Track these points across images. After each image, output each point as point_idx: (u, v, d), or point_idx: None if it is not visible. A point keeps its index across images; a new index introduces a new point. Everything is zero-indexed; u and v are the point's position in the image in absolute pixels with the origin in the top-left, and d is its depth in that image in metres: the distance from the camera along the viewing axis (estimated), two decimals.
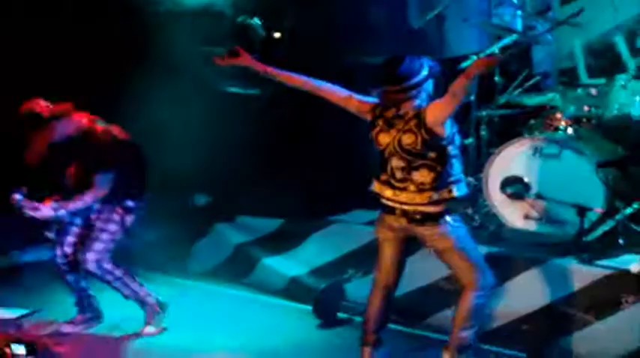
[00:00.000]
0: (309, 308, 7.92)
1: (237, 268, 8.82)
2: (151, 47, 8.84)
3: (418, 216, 6.27)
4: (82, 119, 7.20)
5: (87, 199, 7.13)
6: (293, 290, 8.39)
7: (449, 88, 6.14)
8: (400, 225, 6.35)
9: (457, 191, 6.25)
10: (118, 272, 7.30)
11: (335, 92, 6.51)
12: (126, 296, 7.40)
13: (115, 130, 7.24)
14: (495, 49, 8.37)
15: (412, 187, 6.24)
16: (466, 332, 6.37)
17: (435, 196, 6.23)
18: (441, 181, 6.21)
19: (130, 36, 8.99)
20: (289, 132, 8.85)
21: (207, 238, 9.13)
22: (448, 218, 6.28)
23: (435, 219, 6.26)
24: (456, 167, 6.29)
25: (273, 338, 7.45)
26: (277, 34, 9.06)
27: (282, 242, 8.69)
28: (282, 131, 8.87)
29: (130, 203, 7.27)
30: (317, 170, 8.85)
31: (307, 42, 8.88)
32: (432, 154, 6.19)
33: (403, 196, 6.29)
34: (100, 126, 7.23)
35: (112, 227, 7.25)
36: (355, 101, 6.45)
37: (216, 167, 8.72)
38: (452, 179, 6.25)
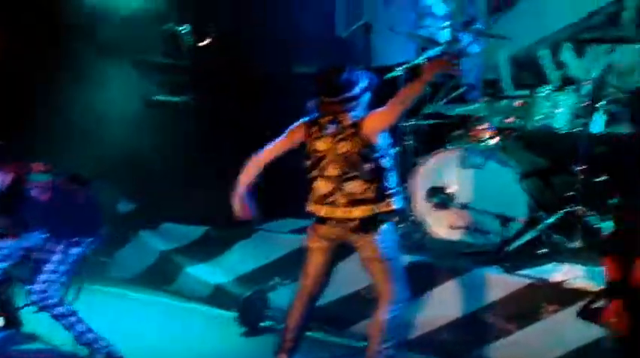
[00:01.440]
0: (234, 315, 7.89)
1: (161, 275, 8.76)
2: (76, 54, 8.77)
3: (354, 224, 6.27)
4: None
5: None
6: (217, 298, 8.35)
7: (382, 97, 6.18)
8: (335, 234, 6.35)
9: (395, 204, 6.28)
10: (64, 310, 6.94)
11: (271, 152, 6.51)
12: (74, 337, 6.97)
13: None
14: (421, 60, 8.43)
15: (343, 200, 6.24)
16: (383, 345, 6.39)
17: (375, 210, 6.24)
18: (378, 194, 6.23)
19: (55, 43, 8.89)
20: (216, 140, 8.80)
21: (131, 245, 9.06)
22: (384, 226, 6.30)
23: (370, 227, 6.27)
24: (392, 179, 6.32)
25: (196, 346, 7.43)
26: (206, 41, 9.02)
27: (206, 249, 8.65)
28: (209, 139, 8.82)
29: (75, 239, 7.02)
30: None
31: (236, 49, 8.85)
32: (366, 166, 6.19)
33: (339, 212, 6.29)
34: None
35: (55, 258, 7.01)
36: (288, 139, 6.43)
37: (141, 174, 8.65)
38: (389, 191, 6.27)
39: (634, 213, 5.19)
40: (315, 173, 6.35)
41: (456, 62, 6.29)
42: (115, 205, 9.28)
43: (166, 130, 8.57)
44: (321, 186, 6.32)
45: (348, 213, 6.24)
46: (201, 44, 8.71)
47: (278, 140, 6.48)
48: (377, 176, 6.22)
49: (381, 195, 6.23)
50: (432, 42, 9.06)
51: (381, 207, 6.23)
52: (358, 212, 6.23)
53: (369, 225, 6.27)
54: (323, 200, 6.32)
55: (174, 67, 8.82)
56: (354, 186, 6.21)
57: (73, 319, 6.88)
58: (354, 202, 6.23)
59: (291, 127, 6.42)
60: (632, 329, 5.06)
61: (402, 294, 6.42)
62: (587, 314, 5.43)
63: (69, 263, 6.89)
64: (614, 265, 5.25)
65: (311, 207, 6.39)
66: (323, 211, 6.33)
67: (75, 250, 6.90)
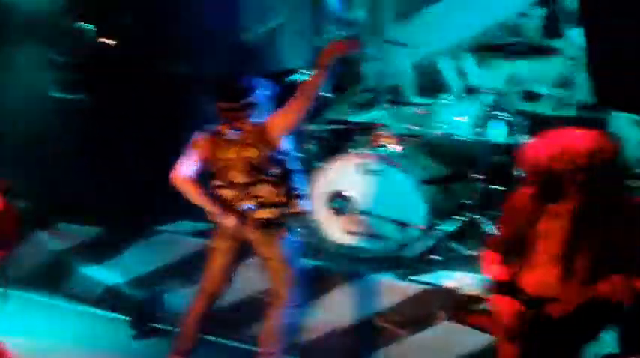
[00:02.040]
0: (127, 318, 7.79)
1: (55, 276, 8.59)
2: None
3: (259, 224, 6.24)
4: None
5: None
6: (111, 299, 8.22)
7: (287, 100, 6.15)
8: (239, 235, 6.31)
9: (302, 205, 6.27)
10: None
11: (196, 166, 6.38)
12: None
13: None
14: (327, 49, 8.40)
15: (255, 202, 6.21)
16: (274, 349, 6.37)
17: (285, 211, 6.21)
18: (285, 197, 6.21)
19: None
20: (114, 140, 8.68)
21: (25, 245, 8.87)
22: (287, 229, 6.28)
23: (276, 228, 6.24)
24: (299, 181, 6.30)
25: (88, 349, 7.32)
26: (110, 41, 8.90)
27: (101, 250, 8.50)
28: (106, 138, 8.70)
29: None
30: (143, 179, 8.71)
31: (141, 50, 8.75)
32: (274, 170, 6.17)
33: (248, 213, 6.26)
34: None
35: None
36: (202, 158, 6.34)
37: (36, 173, 8.49)
38: (296, 193, 6.26)
39: (514, 214, 5.23)
40: (219, 181, 6.30)
41: (355, 44, 6.26)
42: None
43: (63, 129, 8.44)
44: (227, 194, 6.27)
45: (258, 214, 6.22)
46: (101, 42, 8.58)
47: (192, 157, 6.36)
48: (284, 179, 6.20)
49: (290, 197, 6.21)
50: None
51: (290, 209, 6.22)
52: (266, 214, 6.20)
53: (273, 225, 6.23)
54: (230, 207, 6.26)
55: (73, 65, 8.70)
56: (262, 191, 6.19)
57: None
58: (263, 205, 6.19)
59: (196, 142, 6.34)
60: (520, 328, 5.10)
61: (295, 298, 6.40)
62: (459, 317, 5.47)
63: None
64: (497, 263, 5.28)
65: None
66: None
67: None
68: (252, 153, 6.17)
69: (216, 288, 6.56)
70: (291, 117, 6.17)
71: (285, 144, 6.20)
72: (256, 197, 6.21)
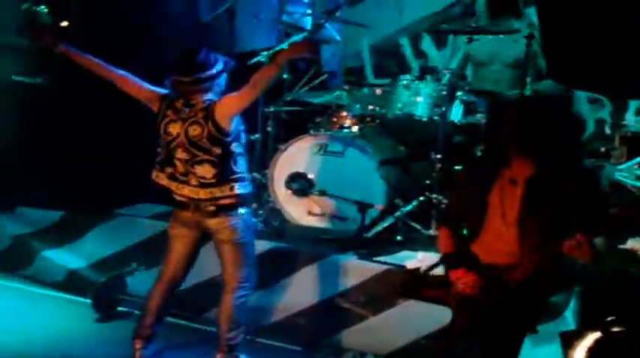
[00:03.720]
0: (89, 301, 7.77)
1: (16, 260, 8.54)
2: None
3: (211, 208, 6.26)
4: None
5: None
6: (73, 283, 8.17)
7: (245, 82, 6.17)
8: (194, 220, 6.33)
9: (239, 189, 6.28)
10: None
11: (127, 80, 6.44)
12: None
13: None
14: (285, 46, 8.43)
15: (194, 181, 6.24)
16: (233, 332, 6.41)
17: (217, 193, 6.23)
18: (222, 178, 6.22)
19: None
20: (75, 123, 8.65)
21: None
22: (241, 209, 6.30)
23: (228, 210, 6.26)
24: (240, 164, 6.31)
25: (50, 332, 7.29)
26: (64, 22, 8.84)
27: (63, 234, 8.46)
28: (67, 121, 8.66)
29: None
30: (103, 161, 8.69)
31: (95, 31, 8.71)
32: (216, 150, 6.18)
33: (186, 190, 6.28)
34: None
35: None
36: (145, 90, 6.41)
37: None
38: (235, 176, 6.27)
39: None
40: (166, 155, 6.31)
41: (313, 47, 6.30)
42: None
43: (22, 112, 8.39)
44: (173, 166, 6.28)
45: (194, 193, 6.23)
46: (59, 25, 8.51)
47: (138, 81, 6.41)
48: (225, 161, 6.22)
49: (225, 179, 6.22)
50: (296, 28, 9.09)
51: (224, 191, 6.23)
52: (203, 194, 6.22)
53: (224, 208, 6.26)
54: (174, 176, 6.28)
55: (31, 48, 8.63)
56: (204, 170, 6.20)
57: None
58: (203, 185, 6.21)
59: (155, 88, 6.37)
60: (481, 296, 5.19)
61: (250, 279, 6.44)
62: (408, 292, 5.55)
63: None
64: (449, 237, 5.40)
65: (162, 181, 6.34)
66: (173, 186, 6.31)
67: None
68: (198, 131, 6.18)
69: (176, 274, 6.56)
70: (238, 102, 6.20)
71: (232, 125, 6.22)
72: (195, 176, 6.23)
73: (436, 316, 6.41)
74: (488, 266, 5.26)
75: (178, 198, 6.34)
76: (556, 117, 5.16)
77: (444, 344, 5.56)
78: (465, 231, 5.42)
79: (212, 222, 6.31)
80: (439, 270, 5.53)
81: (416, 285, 5.61)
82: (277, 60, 6.20)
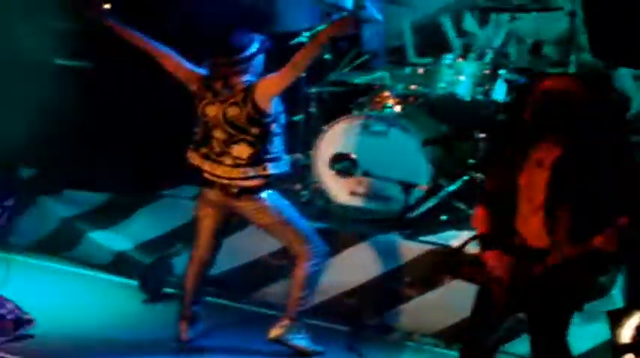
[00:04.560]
0: (136, 283, 7.85)
1: (63, 242, 8.61)
2: None
3: (235, 190, 6.31)
4: None
5: None
6: (119, 264, 8.25)
7: (286, 63, 6.18)
8: (219, 200, 6.39)
9: (272, 168, 6.32)
10: None
11: (170, 57, 6.51)
12: None
13: None
14: (325, 26, 8.42)
15: (229, 161, 6.29)
16: (303, 300, 6.48)
17: (251, 172, 6.28)
18: (257, 158, 6.26)
19: None
20: (118, 105, 8.70)
21: (31, 211, 8.90)
22: (264, 193, 6.32)
23: (252, 193, 6.30)
24: (276, 145, 6.35)
25: (98, 314, 7.38)
26: (108, 5, 8.86)
27: (109, 216, 8.53)
28: (111, 104, 8.71)
29: None
30: (146, 144, 8.74)
31: (137, 9, 8.73)
32: (254, 130, 6.22)
33: (219, 170, 6.34)
34: None
35: None
36: (184, 69, 6.45)
37: (42, 139, 8.49)
38: (269, 156, 6.30)
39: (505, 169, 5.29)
40: (202, 134, 6.35)
41: (354, 24, 6.28)
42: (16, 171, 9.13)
43: (68, 95, 8.42)
44: (209, 146, 6.31)
45: (227, 173, 6.27)
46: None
47: (179, 59, 6.46)
48: (263, 141, 6.24)
49: (260, 159, 6.25)
50: (337, 7, 9.05)
51: (258, 170, 6.26)
52: (235, 173, 6.25)
53: (248, 190, 6.29)
54: (208, 156, 6.31)
55: (72, 31, 8.67)
56: (240, 150, 6.25)
57: None
58: (238, 165, 6.25)
59: (194, 68, 6.41)
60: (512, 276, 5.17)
61: (319, 248, 6.50)
62: (447, 269, 5.52)
63: None
64: (484, 218, 5.34)
65: (195, 161, 6.39)
66: (207, 166, 6.35)
67: None
68: (236, 111, 6.22)
69: (206, 255, 6.65)
70: (278, 82, 6.24)
71: (272, 106, 6.24)
72: (231, 156, 6.26)
73: None
74: (522, 247, 5.22)
75: (208, 176, 6.38)
76: (580, 96, 5.03)
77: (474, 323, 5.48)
78: (501, 211, 5.34)
79: (240, 205, 6.36)
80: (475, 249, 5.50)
81: (451, 264, 5.59)
82: (318, 38, 6.22)
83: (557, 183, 5.07)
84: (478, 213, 5.38)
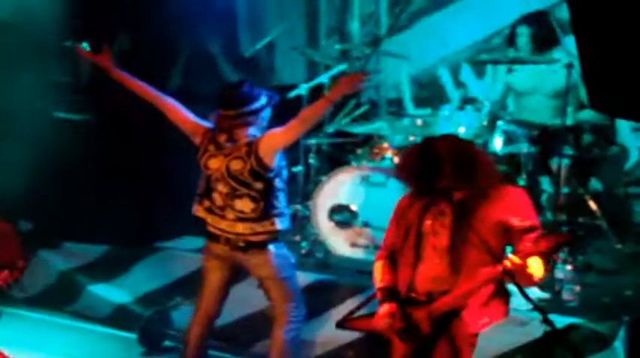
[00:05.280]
0: (135, 336, 7.81)
1: (62, 295, 8.61)
2: None
3: (241, 244, 6.28)
4: None
5: None
6: (119, 317, 8.24)
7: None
8: (225, 253, 6.35)
9: (280, 224, 6.30)
10: None
11: (175, 109, 6.49)
12: None
13: None
14: (324, 79, 8.49)
15: (231, 215, 6.26)
16: None
17: (258, 228, 6.25)
18: (263, 213, 6.24)
19: None
20: (118, 159, 8.73)
21: (31, 264, 8.88)
22: (272, 247, 6.31)
23: (258, 247, 6.28)
24: (281, 200, 6.34)
25: None
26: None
27: (108, 268, 8.54)
28: (111, 157, 8.74)
29: None
30: (145, 196, 8.77)
31: (137, 66, 8.79)
32: (257, 185, 6.20)
33: (223, 224, 6.31)
34: None
35: None
36: (190, 121, 6.45)
37: (42, 193, 8.53)
38: (275, 211, 6.28)
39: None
40: (205, 187, 6.35)
41: (362, 80, 6.30)
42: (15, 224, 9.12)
43: (67, 148, 8.47)
44: (211, 199, 6.30)
45: (231, 227, 6.26)
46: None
47: (185, 111, 6.46)
48: (266, 196, 6.23)
49: (266, 215, 6.24)
50: (335, 61, 9.14)
51: (265, 226, 6.25)
52: (241, 228, 6.24)
53: (256, 244, 6.28)
54: (211, 209, 6.30)
55: (74, 85, 8.74)
56: (243, 204, 6.23)
57: None
58: (241, 219, 6.23)
59: (199, 120, 6.41)
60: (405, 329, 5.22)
61: (299, 312, 6.45)
62: (345, 324, 5.56)
63: None
64: (382, 270, 5.41)
65: (200, 213, 6.38)
66: (210, 219, 6.34)
67: None
68: (240, 166, 6.21)
69: (211, 307, 6.58)
70: (284, 137, 6.22)
71: (275, 161, 6.24)
72: (234, 210, 6.25)
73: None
74: (420, 295, 5.24)
75: (212, 230, 6.37)
76: (464, 149, 5.21)
77: None
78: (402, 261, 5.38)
79: (245, 259, 6.34)
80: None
81: (348, 318, 5.59)
82: (329, 97, 6.20)
83: (456, 228, 5.17)
84: (377, 265, 5.47)
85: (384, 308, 5.27)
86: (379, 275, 5.42)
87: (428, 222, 5.25)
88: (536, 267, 5.00)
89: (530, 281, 5.02)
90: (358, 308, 5.52)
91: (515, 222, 5.12)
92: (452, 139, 5.36)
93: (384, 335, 5.34)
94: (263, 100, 6.31)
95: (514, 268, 4.96)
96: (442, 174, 5.12)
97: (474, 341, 5.24)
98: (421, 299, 5.21)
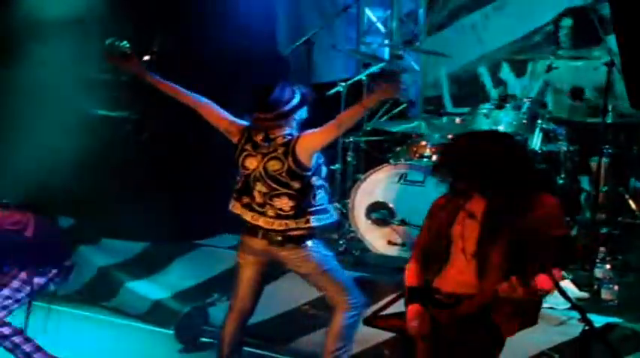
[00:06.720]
0: (172, 332, 7.85)
1: (101, 291, 8.67)
2: (15, 66, 8.71)
3: (279, 238, 6.28)
4: None
5: None
6: (156, 314, 8.28)
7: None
8: (261, 248, 6.35)
9: (314, 221, 6.29)
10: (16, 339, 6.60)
11: (210, 108, 6.48)
12: None
13: None
14: (363, 76, 8.49)
15: (271, 212, 6.26)
16: (339, 351, 6.41)
17: (292, 225, 6.25)
18: (300, 210, 6.24)
19: None
20: (157, 155, 8.79)
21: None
22: (309, 242, 6.31)
23: (295, 242, 6.29)
24: (320, 198, 6.32)
25: None
26: (146, 57, 8.98)
27: (146, 265, 8.59)
28: (150, 154, 8.80)
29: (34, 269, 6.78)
30: (184, 193, 8.80)
31: (176, 66, 8.84)
32: (296, 184, 6.20)
33: (261, 221, 6.31)
34: None
35: (5, 292, 6.62)
36: (225, 120, 6.44)
37: (81, 189, 8.60)
38: (312, 209, 6.28)
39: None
40: (243, 185, 6.35)
41: (401, 87, 6.29)
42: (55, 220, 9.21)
43: (107, 145, 8.53)
44: (250, 196, 6.32)
45: (270, 224, 6.26)
46: (142, 59, 8.65)
47: (221, 111, 6.46)
48: (304, 194, 6.23)
49: (303, 212, 6.24)
50: (374, 58, 9.13)
51: (300, 223, 6.25)
52: (277, 225, 6.25)
53: (292, 239, 6.29)
54: (251, 207, 6.32)
55: (114, 83, 8.79)
56: (282, 203, 6.22)
57: (17, 340, 6.65)
58: (280, 216, 6.24)
59: (236, 119, 6.41)
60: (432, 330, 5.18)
61: (357, 299, 6.45)
62: (372, 322, 5.54)
63: (28, 292, 6.63)
64: (412, 270, 5.38)
65: (237, 210, 6.39)
66: (249, 216, 6.34)
67: (37, 280, 6.61)
68: (277, 166, 6.21)
69: (245, 304, 6.55)
70: (321, 139, 6.22)
71: (312, 161, 6.24)
72: (273, 207, 6.27)
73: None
74: (447, 296, 5.22)
75: (249, 225, 6.38)
76: (488, 152, 5.10)
77: None
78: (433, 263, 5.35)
79: (283, 254, 6.33)
80: None
81: (376, 316, 5.57)
82: (365, 103, 6.21)
83: (486, 233, 5.12)
84: (408, 266, 5.43)
85: (410, 309, 5.27)
86: (408, 275, 5.40)
87: (458, 226, 5.22)
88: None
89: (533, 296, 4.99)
90: (385, 306, 5.51)
91: (545, 234, 5.00)
92: (481, 138, 5.31)
93: (410, 335, 5.32)
94: (298, 99, 6.31)
95: (515, 288, 4.91)
96: (460, 174, 5.10)
97: (502, 345, 5.21)
98: (447, 302, 5.19)
